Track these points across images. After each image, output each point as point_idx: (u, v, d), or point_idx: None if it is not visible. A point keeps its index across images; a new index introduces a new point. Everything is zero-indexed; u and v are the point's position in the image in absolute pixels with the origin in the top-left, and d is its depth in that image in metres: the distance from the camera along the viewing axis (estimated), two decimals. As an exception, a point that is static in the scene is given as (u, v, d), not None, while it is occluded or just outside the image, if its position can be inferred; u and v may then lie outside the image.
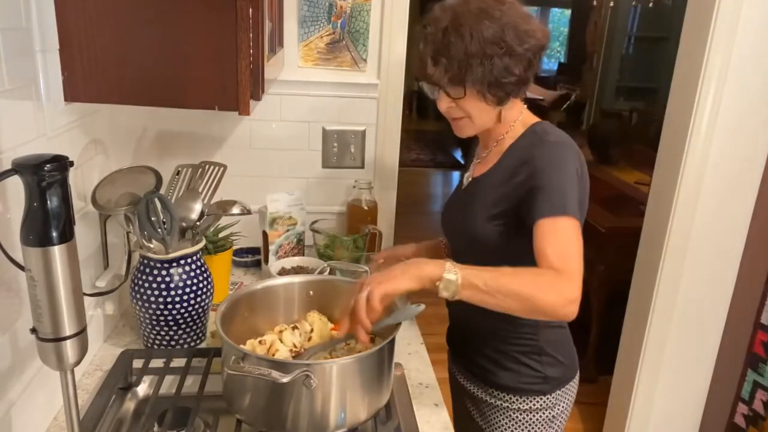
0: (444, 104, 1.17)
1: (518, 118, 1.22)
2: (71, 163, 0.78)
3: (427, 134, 8.52)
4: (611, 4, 4.91)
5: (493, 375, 1.29)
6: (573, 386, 1.32)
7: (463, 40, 1.08)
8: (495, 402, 1.29)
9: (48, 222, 0.75)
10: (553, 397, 1.27)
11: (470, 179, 1.29)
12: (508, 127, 1.22)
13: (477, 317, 1.20)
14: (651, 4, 4.63)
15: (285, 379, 0.89)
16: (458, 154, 7.58)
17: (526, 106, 1.24)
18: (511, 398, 1.27)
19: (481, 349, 1.31)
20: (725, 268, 2.06)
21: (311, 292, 1.22)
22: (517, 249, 1.10)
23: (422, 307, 1.03)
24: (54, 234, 0.76)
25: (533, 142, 1.17)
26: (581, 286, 1.00)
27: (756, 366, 2.04)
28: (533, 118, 1.23)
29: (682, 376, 2.16)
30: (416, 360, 1.34)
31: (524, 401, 1.26)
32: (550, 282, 0.99)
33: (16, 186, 0.77)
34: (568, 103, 5.72)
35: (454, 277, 0.97)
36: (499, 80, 1.11)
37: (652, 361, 2.12)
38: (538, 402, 1.26)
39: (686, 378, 2.17)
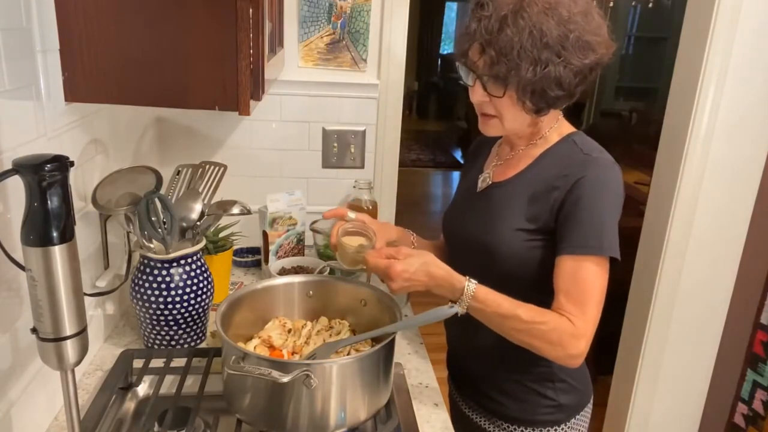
0: (477, 96, 1.05)
1: (554, 125, 1.12)
2: (72, 163, 0.78)
3: (427, 134, 8.54)
4: (611, 4, 4.90)
5: (503, 407, 1.21)
6: (588, 411, 1.25)
7: (520, 36, 0.95)
8: None
9: (48, 222, 0.75)
10: (568, 427, 1.20)
11: (489, 182, 1.17)
12: (542, 134, 1.12)
13: (480, 343, 1.17)
14: (651, 4, 4.63)
15: (285, 379, 0.89)
16: (458, 154, 7.58)
17: (561, 114, 1.14)
18: None
19: (487, 378, 1.22)
20: (725, 267, 2.06)
21: (311, 292, 1.22)
22: (546, 268, 1.04)
23: (455, 309, 0.99)
24: (54, 234, 0.76)
25: (574, 155, 1.07)
26: (591, 337, 1.00)
27: (755, 366, 2.04)
28: (569, 128, 1.14)
29: (681, 375, 2.16)
30: (416, 360, 1.34)
31: None
32: (560, 338, 0.99)
33: (16, 186, 0.77)
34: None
35: (463, 306, 1.00)
36: (545, 90, 0.99)
37: (651, 361, 2.12)
38: None
39: (686, 378, 2.17)
